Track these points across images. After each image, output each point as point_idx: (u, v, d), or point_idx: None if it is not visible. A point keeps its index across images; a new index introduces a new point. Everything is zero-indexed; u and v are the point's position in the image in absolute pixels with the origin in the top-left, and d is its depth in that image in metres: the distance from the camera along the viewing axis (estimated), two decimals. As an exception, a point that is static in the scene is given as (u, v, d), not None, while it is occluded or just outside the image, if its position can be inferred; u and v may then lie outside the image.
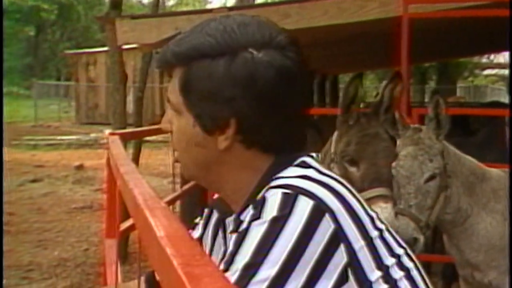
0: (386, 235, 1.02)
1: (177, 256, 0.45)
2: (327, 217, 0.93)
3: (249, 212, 0.97)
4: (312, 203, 0.93)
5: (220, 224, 1.16)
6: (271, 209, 0.93)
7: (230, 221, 1.11)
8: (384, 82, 2.21)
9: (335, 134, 2.19)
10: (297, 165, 1.03)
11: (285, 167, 1.03)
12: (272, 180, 1.01)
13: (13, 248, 5.58)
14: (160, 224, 0.58)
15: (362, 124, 2.09)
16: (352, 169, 2.04)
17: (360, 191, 1.97)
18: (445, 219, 2.36)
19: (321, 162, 2.23)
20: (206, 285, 0.40)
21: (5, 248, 5.56)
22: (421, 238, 2.12)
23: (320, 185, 0.97)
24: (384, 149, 2.06)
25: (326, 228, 0.93)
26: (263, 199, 0.96)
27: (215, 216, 1.19)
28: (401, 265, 1.00)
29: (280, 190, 0.96)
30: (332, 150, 2.15)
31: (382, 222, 1.04)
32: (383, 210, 1.93)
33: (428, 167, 2.23)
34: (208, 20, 1.05)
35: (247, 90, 1.00)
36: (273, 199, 0.95)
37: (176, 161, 1.13)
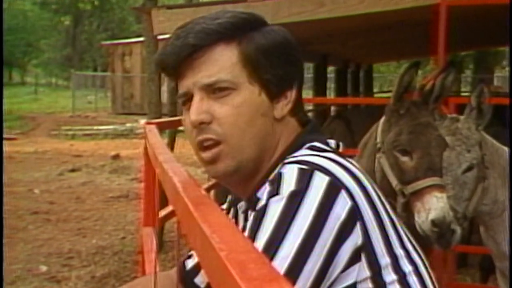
0: (398, 226, 1.02)
1: (221, 243, 0.46)
2: (343, 194, 0.94)
3: (266, 189, 0.97)
4: (328, 179, 0.94)
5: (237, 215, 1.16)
6: (288, 184, 0.94)
7: (240, 206, 1.13)
8: (437, 71, 2.17)
9: (381, 123, 2.16)
10: (313, 147, 1.04)
11: (301, 148, 1.05)
12: (287, 157, 1.02)
13: (54, 236, 5.72)
14: (201, 211, 0.59)
15: (413, 113, 2.04)
16: (404, 159, 2.00)
17: (413, 180, 1.95)
18: (482, 211, 2.33)
19: (360, 152, 2.23)
20: (252, 272, 0.40)
21: (46, 236, 5.72)
22: (458, 230, 2.09)
23: (335, 163, 0.98)
24: (436, 138, 2.02)
25: (343, 204, 0.93)
26: (279, 175, 0.96)
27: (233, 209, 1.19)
28: (410, 259, 1.00)
29: (296, 166, 0.96)
30: (379, 139, 2.12)
31: (394, 213, 1.04)
32: (439, 199, 1.90)
33: (466, 158, 2.20)
34: (211, 13, 1.10)
35: (299, 53, 1.10)
36: (290, 174, 0.95)
37: (212, 161, 1.05)
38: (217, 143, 1.04)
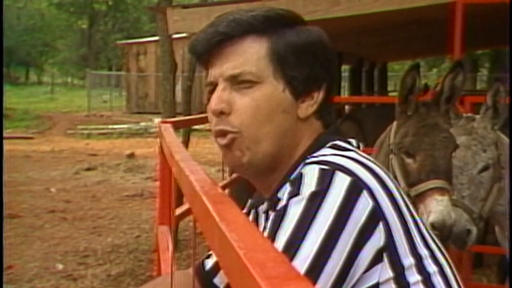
0: (421, 226, 1.01)
1: (239, 242, 0.46)
2: (365, 194, 0.93)
3: (286, 189, 0.97)
4: (349, 179, 0.93)
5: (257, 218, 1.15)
6: (309, 184, 0.93)
7: (261, 208, 1.13)
8: (446, 72, 2.16)
9: (394, 124, 2.16)
10: (335, 146, 1.04)
11: (322, 147, 1.04)
12: (308, 157, 1.02)
13: (70, 234, 5.77)
14: (219, 210, 0.59)
15: (421, 114, 2.04)
16: (409, 161, 2.00)
17: (417, 183, 1.95)
18: (498, 211, 2.32)
19: (377, 151, 2.22)
20: (271, 271, 0.40)
21: (62, 234, 5.77)
22: (474, 230, 2.08)
23: (357, 163, 0.97)
24: (442, 140, 2.00)
25: (365, 205, 0.92)
26: (300, 175, 0.96)
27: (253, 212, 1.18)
28: (435, 260, 0.99)
29: (317, 166, 0.96)
30: (392, 140, 2.12)
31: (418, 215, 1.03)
32: (439, 202, 1.89)
33: (482, 157, 2.18)
34: (245, 8, 1.10)
35: (333, 55, 1.09)
36: (310, 175, 0.95)
37: (226, 144, 1.06)
38: (232, 133, 1.06)
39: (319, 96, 1.07)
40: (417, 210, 1.91)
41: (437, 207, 1.88)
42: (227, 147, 1.06)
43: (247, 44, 1.05)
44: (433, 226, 1.86)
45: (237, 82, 1.04)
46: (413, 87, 2.04)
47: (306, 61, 1.05)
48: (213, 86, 1.08)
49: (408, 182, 1.98)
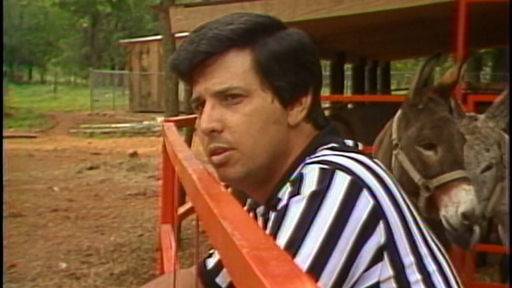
0: (421, 225, 1.01)
1: (243, 240, 0.46)
2: (365, 193, 0.93)
3: (287, 189, 0.97)
4: (349, 178, 0.93)
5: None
6: (309, 184, 0.94)
7: (259, 210, 1.13)
8: (457, 66, 2.15)
9: (395, 120, 2.14)
10: (333, 148, 1.03)
11: (321, 147, 1.04)
12: (307, 158, 1.02)
13: (73, 233, 5.77)
14: (222, 208, 0.59)
15: (431, 108, 2.02)
16: (429, 153, 1.97)
17: (439, 174, 1.92)
18: (501, 210, 2.31)
19: (376, 150, 2.22)
20: (274, 269, 0.40)
21: (65, 233, 5.77)
22: (477, 229, 2.08)
23: (357, 163, 0.97)
24: (458, 132, 1.99)
25: (365, 204, 0.92)
26: (301, 175, 0.96)
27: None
28: (434, 258, 1.00)
29: (317, 166, 0.96)
30: (395, 136, 2.10)
31: (418, 213, 1.03)
32: (467, 192, 1.86)
33: (485, 157, 2.18)
34: (226, 15, 1.09)
35: (315, 56, 1.08)
36: (311, 174, 0.95)
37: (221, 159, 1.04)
38: (228, 150, 1.04)
39: (307, 100, 1.07)
40: (437, 202, 1.90)
41: (467, 197, 1.85)
42: (221, 165, 1.05)
43: (230, 59, 1.03)
44: (465, 215, 1.84)
45: (225, 97, 1.03)
46: (428, 78, 2.02)
47: (291, 69, 1.05)
48: (199, 102, 1.07)
49: (428, 174, 1.95)
